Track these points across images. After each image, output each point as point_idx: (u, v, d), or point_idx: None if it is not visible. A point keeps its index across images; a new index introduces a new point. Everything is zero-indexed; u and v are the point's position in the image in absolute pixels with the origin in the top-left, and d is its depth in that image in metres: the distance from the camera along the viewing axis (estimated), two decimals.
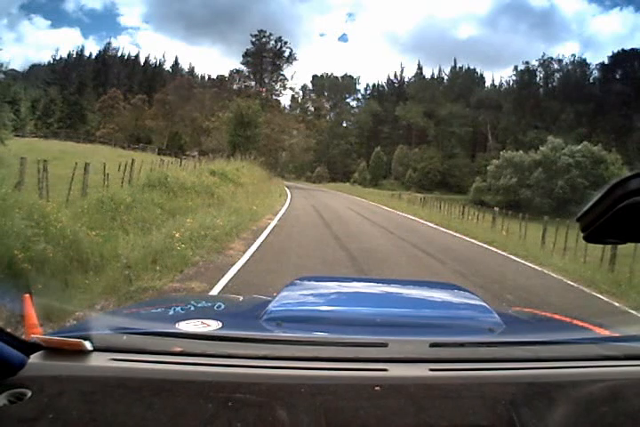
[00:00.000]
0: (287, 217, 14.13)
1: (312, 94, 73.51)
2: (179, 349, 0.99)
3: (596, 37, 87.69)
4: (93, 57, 76.12)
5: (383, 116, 71.11)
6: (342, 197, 33.26)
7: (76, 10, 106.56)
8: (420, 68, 75.44)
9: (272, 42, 61.50)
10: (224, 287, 5.29)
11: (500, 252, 10.70)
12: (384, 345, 1.05)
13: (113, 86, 65.05)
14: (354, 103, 79.67)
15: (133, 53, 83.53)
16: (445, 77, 73.04)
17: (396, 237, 11.70)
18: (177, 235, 7.16)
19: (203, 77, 76.75)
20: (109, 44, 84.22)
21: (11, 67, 42.30)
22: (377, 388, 0.89)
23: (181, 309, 1.37)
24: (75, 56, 75.62)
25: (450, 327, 1.27)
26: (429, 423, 0.82)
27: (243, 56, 62.01)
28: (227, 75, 64.62)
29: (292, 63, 61.87)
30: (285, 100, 74.85)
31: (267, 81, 61.64)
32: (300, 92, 70.23)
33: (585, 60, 66.23)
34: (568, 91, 61.25)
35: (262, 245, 8.53)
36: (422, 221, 17.67)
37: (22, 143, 25.94)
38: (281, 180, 42.62)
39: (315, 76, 78.08)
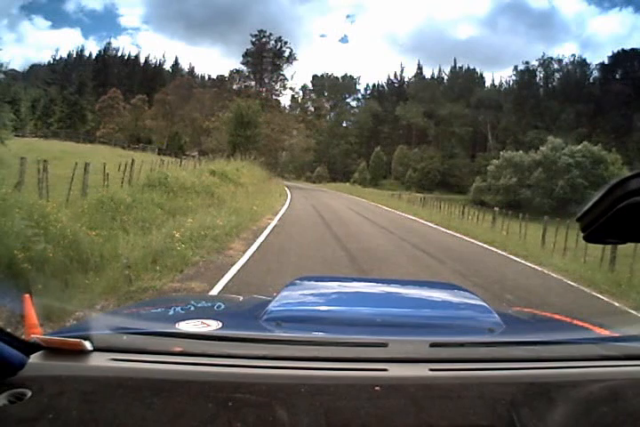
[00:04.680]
0: (287, 217, 14.12)
1: (312, 94, 73.50)
2: (179, 349, 0.99)
3: (595, 38, 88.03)
4: (93, 57, 76.26)
5: (383, 116, 71.10)
6: (342, 197, 33.24)
7: (77, 11, 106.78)
8: (419, 68, 75.69)
9: (272, 42, 61.47)
10: (224, 287, 5.29)
11: (500, 252, 10.70)
12: (384, 345, 1.04)
13: (113, 86, 64.89)
14: (354, 103, 79.83)
15: (133, 53, 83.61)
16: (445, 77, 73.13)
17: (396, 237, 11.70)
18: (177, 235, 7.16)
19: (203, 77, 76.95)
20: (109, 44, 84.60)
21: (11, 67, 42.41)
22: (377, 388, 0.89)
23: (181, 309, 1.37)
24: (75, 56, 75.80)
25: (450, 327, 1.27)
26: (429, 423, 0.82)
27: (243, 56, 61.98)
28: (227, 75, 64.59)
29: (291, 63, 61.85)
30: (285, 100, 74.81)
31: (267, 81, 61.58)
32: (300, 92, 70.24)
33: (585, 60, 66.37)
34: (568, 91, 61.24)
35: (262, 245, 8.52)
36: (422, 221, 17.67)
37: (22, 143, 25.91)
38: (281, 180, 42.62)
39: (315, 76, 78.18)
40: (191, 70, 79.72)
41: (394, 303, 1.53)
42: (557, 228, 12.21)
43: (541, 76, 67.04)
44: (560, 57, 66.90)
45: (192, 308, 1.40)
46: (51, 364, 0.92)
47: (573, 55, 67.70)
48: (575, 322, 1.55)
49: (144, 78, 72.74)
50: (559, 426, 0.86)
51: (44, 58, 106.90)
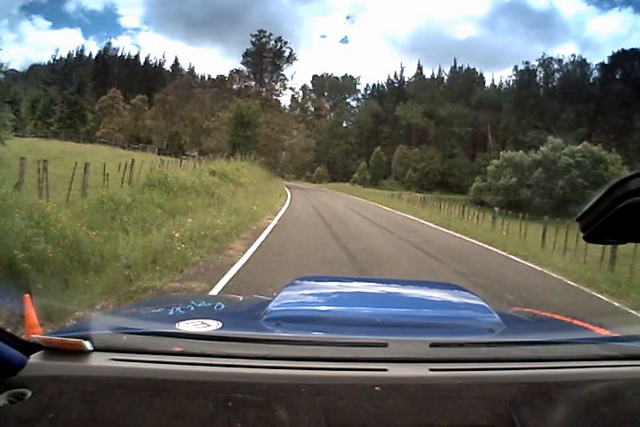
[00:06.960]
0: (287, 217, 14.12)
1: (312, 94, 73.49)
2: (179, 349, 0.99)
3: (595, 38, 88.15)
4: (93, 57, 76.34)
5: (383, 116, 71.10)
6: (342, 197, 33.24)
7: (77, 11, 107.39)
8: (419, 68, 75.70)
9: (272, 42, 61.47)
10: (224, 287, 5.29)
11: (500, 252, 10.69)
12: (384, 345, 1.04)
13: (113, 86, 64.94)
14: (354, 103, 79.95)
15: (133, 53, 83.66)
16: (445, 77, 73.14)
17: (395, 237, 11.70)
18: (177, 235, 7.15)
19: (203, 77, 76.99)
20: (109, 44, 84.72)
21: (11, 67, 42.41)
22: (377, 388, 0.89)
23: (181, 309, 1.37)
24: (75, 56, 75.88)
25: (450, 327, 1.27)
26: (429, 423, 0.82)
27: (243, 56, 61.95)
28: (227, 75, 64.62)
29: (291, 63, 61.83)
30: (285, 100, 74.89)
31: (267, 81, 61.55)
32: (300, 92, 70.16)
33: (585, 60, 66.36)
34: (568, 91, 61.22)
35: (262, 245, 8.52)
36: (422, 221, 17.67)
37: (22, 143, 25.92)
38: (281, 180, 42.61)
39: (315, 76, 78.25)
40: (191, 70, 79.89)
41: (394, 303, 1.53)
42: (557, 228, 12.21)
43: (541, 76, 67.11)
44: (560, 57, 67.03)
45: (192, 308, 1.40)
46: (51, 364, 0.91)
47: (573, 55, 67.84)
48: (575, 322, 1.55)
49: (144, 78, 72.75)
50: (559, 426, 0.86)
51: (44, 58, 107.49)
